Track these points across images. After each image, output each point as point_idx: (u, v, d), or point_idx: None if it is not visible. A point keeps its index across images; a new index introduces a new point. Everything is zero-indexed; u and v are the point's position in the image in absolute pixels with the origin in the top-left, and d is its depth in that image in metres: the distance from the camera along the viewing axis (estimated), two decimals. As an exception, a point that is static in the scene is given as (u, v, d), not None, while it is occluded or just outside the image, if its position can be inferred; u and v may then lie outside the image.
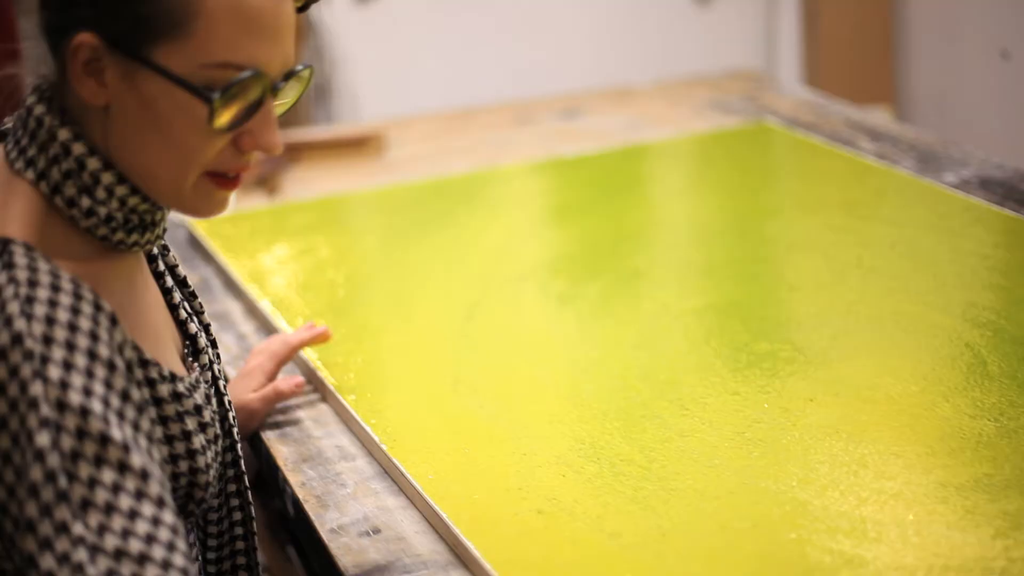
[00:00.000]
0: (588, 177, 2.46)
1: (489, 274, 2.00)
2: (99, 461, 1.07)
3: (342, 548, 1.39)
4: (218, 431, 1.30)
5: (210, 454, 1.26)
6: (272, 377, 1.66)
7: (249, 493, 1.41)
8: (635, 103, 2.96)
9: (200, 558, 1.37)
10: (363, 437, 1.58)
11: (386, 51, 3.82)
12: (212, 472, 1.27)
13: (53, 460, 1.04)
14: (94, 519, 1.05)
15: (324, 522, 1.44)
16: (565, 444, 1.52)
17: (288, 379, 1.67)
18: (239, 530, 1.39)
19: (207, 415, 1.27)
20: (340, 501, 1.48)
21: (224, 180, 1.21)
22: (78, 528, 1.04)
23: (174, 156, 1.18)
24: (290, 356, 1.70)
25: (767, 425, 1.53)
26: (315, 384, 1.72)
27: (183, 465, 1.22)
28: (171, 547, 1.07)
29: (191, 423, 1.23)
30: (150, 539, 1.06)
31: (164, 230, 1.27)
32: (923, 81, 3.81)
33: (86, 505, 1.05)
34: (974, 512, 1.35)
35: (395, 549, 1.38)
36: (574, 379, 1.68)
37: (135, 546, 1.05)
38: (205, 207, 1.23)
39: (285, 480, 1.52)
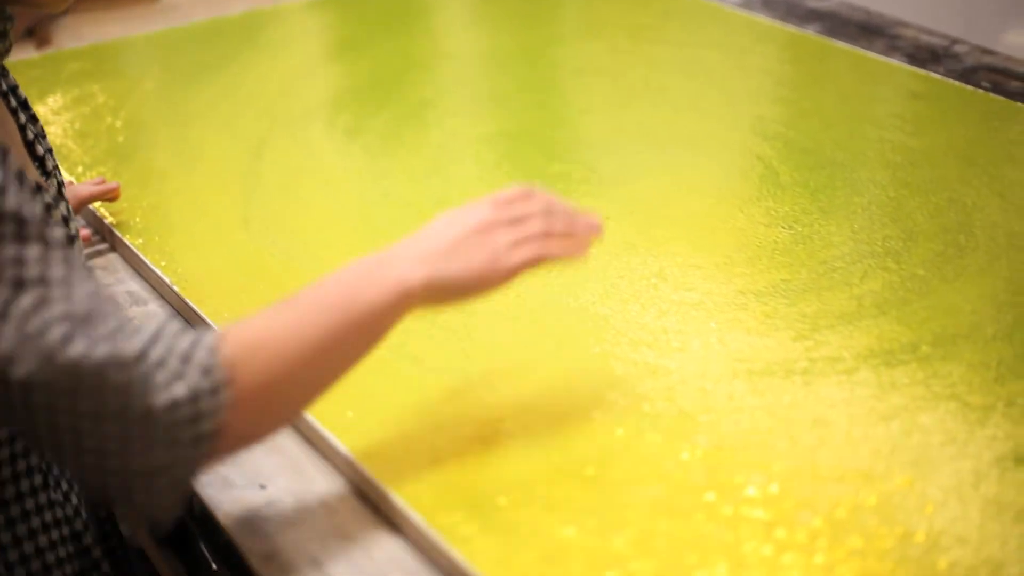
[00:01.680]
0: (370, 11, 2.40)
1: (275, 112, 1.95)
2: (21, 238, 0.97)
3: (138, 393, 1.35)
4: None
5: None
6: (60, 228, 1.60)
7: None
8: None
9: None
10: (154, 281, 1.53)
11: None
12: None
13: None
14: (33, 294, 0.96)
15: (118, 368, 1.39)
16: (362, 275, 1.48)
17: (75, 232, 1.61)
18: None
19: (72, 228, 1.21)
20: (133, 346, 1.43)
21: None
22: (25, 301, 0.95)
23: None
24: (79, 208, 1.64)
25: (565, 245, 1.52)
26: (102, 232, 1.66)
27: None
28: (115, 303, 1.01)
29: None
30: (94, 296, 0.99)
31: (11, 43, 1.20)
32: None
33: (20, 284, 0.96)
34: (774, 316, 1.36)
35: (193, 390, 1.34)
36: (366, 211, 1.65)
37: (82, 307, 0.97)
38: None
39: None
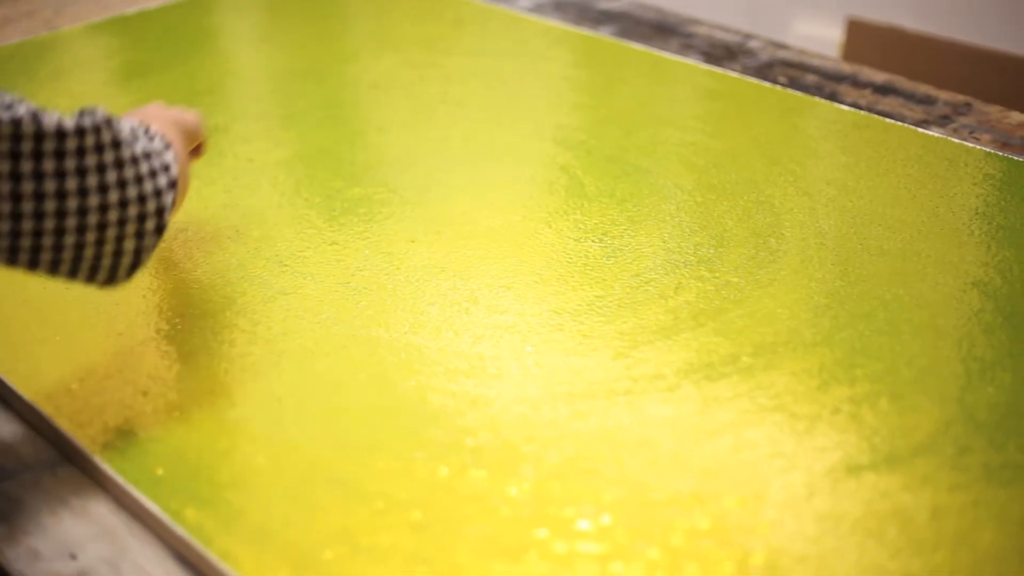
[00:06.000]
0: (155, 34, 2.33)
1: (58, 147, 1.87)
2: None
3: (-69, 461, 1.27)
4: None
5: None
6: None
7: None
8: (193, -45, 2.82)
9: None
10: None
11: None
12: None
13: None
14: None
15: (-93, 435, 1.32)
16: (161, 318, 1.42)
17: None
18: None
19: None
20: (-78, 410, 1.35)
21: None
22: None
23: None
24: None
25: (371, 272, 1.48)
26: None
27: None
28: None
29: None
30: None
31: None
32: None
33: None
34: (591, 336, 1.33)
35: (-9, 454, 1.27)
36: (164, 247, 1.58)
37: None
38: None
39: None
